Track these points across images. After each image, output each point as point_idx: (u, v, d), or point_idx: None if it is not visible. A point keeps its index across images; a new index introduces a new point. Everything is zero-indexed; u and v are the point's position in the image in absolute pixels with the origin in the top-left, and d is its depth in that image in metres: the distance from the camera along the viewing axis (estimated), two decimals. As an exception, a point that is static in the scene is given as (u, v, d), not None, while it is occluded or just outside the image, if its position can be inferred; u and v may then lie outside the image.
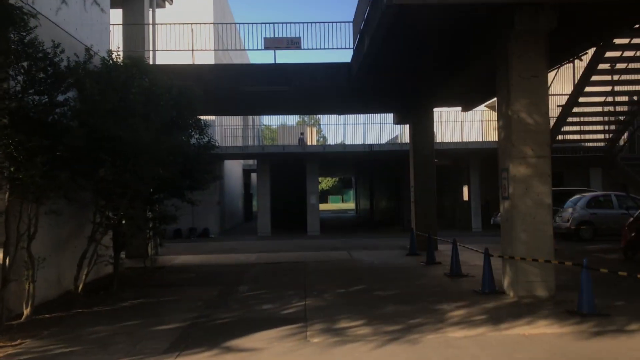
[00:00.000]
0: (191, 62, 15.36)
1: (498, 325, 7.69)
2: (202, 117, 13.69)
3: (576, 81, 16.37)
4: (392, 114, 26.87)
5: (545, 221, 9.42)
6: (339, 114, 19.25)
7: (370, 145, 25.79)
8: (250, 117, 33.48)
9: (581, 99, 16.55)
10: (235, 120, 28.28)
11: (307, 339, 7.27)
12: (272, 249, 19.02)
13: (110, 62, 11.43)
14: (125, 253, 16.91)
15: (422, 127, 17.30)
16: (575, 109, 16.84)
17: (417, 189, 17.23)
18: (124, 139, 8.98)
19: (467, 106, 19.34)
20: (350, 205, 73.27)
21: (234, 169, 33.26)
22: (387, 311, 8.79)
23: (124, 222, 11.71)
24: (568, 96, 16.69)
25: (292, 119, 54.78)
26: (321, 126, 26.68)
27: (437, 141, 26.03)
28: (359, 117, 26.70)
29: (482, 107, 27.67)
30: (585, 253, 15.19)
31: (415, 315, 8.41)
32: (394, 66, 13.56)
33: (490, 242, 14.70)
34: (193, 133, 12.91)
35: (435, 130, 25.87)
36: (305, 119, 68.58)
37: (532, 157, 9.45)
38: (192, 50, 15.15)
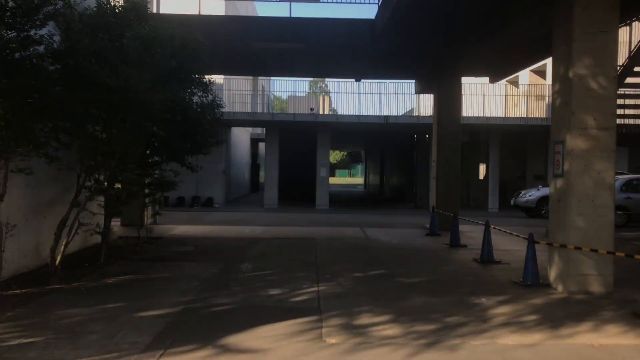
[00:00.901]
0: (198, 13, 13.74)
1: (557, 330, 6.24)
2: (209, 76, 12.13)
3: (633, 47, 14.60)
4: (411, 84, 25.24)
5: (606, 204, 7.90)
6: (357, 79, 17.63)
7: (386, 117, 24.17)
8: (259, 83, 31.78)
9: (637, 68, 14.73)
10: (244, 84, 26.63)
11: (322, 338, 5.85)
12: (279, 222, 17.62)
13: (107, 5, 9.89)
14: (121, 221, 15.63)
15: (448, 97, 15.68)
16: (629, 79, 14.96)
17: (439, 164, 15.70)
18: (111, 86, 7.46)
19: (496, 76, 17.65)
20: (359, 180, 71.86)
21: (241, 137, 31.72)
22: (415, 303, 7.36)
23: (115, 186, 10.31)
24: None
25: (303, 87, 53.00)
26: (332, 95, 24.80)
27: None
28: (374, 87, 25.01)
29: (503, 81, 26.01)
30: (625, 242, 13.68)
31: (450, 310, 6.98)
32: (424, 24, 11.95)
33: (511, 224, 13.22)
34: (196, 90, 11.38)
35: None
36: (316, 90, 66.72)
37: (595, 128, 7.89)
38: (199, -2, 13.51)
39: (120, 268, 9.56)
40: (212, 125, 11.74)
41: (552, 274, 8.42)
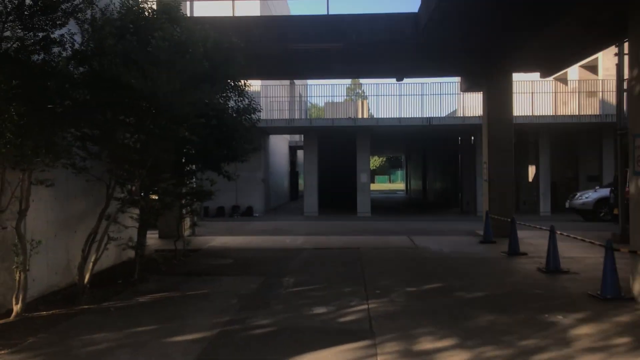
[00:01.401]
0: (231, 15, 13.13)
1: (659, 356, 5.22)
2: (244, 80, 11.48)
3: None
4: (454, 84, 24.20)
5: (702, 206, 6.81)
6: (398, 79, 16.74)
7: (429, 119, 23.14)
8: (296, 89, 31.18)
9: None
10: (281, 91, 26.04)
11: (379, 368, 5.01)
12: (320, 231, 16.82)
13: (135, 7, 9.35)
14: (158, 233, 15.13)
15: (499, 94, 14.62)
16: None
17: (491, 165, 14.62)
18: (136, 88, 6.82)
19: (548, 71, 16.44)
20: (399, 185, 70.62)
21: (279, 145, 31.17)
22: (481, 323, 6.42)
23: (152, 197, 9.73)
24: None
25: (340, 91, 52.15)
26: (371, 98, 23.90)
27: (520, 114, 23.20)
28: (415, 88, 24.03)
29: (551, 78, 24.66)
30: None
31: (523, 331, 6.02)
32: (474, 15, 10.99)
33: (567, 228, 12.06)
34: (231, 94, 10.73)
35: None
36: (353, 97, 65.86)
37: (685, 117, 6.83)
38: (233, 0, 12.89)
39: (155, 284, 8.92)
40: (249, 130, 11.05)
41: (637, 287, 7.34)
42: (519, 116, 23.20)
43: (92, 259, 7.85)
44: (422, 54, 13.63)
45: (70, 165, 7.72)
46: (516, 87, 23.73)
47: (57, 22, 6.58)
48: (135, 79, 6.93)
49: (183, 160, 10.44)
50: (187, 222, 14.75)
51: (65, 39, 6.71)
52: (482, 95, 15.47)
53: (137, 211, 9.89)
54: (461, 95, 24.40)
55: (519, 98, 23.97)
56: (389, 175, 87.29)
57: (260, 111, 11.12)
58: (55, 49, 6.63)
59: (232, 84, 10.69)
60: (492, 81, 14.63)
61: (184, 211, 12.07)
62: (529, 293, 7.98)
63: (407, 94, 24.02)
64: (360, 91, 72.16)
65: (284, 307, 7.31)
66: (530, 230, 13.01)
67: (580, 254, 11.32)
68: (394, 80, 17.94)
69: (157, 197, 9.74)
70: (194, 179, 12.28)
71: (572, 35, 12.60)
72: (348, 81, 51.60)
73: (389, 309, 7.10)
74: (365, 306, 7.23)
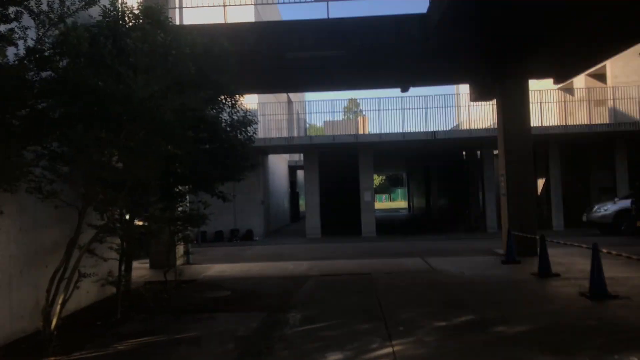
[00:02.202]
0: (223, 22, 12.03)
1: None
2: (238, 95, 10.32)
3: None
4: (461, 95, 23.14)
5: None
6: (403, 89, 15.59)
7: (434, 132, 21.98)
8: (294, 107, 30.08)
9: None
10: (279, 109, 24.92)
11: None
12: (325, 255, 15.52)
13: (112, 12, 8.25)
14: (150, 262, 13.82)
15: (515, 101, 13.45)
16: None
17: (509, 178, 13.39)
18: (107, 93, 5.61)
19: (562, 77, 15.37)
20: (400, 203, 69.38)
21: (278, 165, 29.97)
22: (538, 370, 5.13)
23: (138, 223, 8.48)
24: None
25: (338, 109, 51.09)
26: (373, 113, 22.70)
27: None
28: (417, 101, 22.91)
29: (556, 87, 23.64)
30: None
31: (596, 381, 4.73)
32: (489, 14, 9.90)
33: (586, 243, 10.76)
34: (223, 106, 9.55)
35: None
36: (351, 116, 64.85)
37: None
38: (224, 5, 11.77)
39: (139, 325, 7.61)
40: (245, 145, 9.84)
41: None
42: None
43: (60, 300, 6.55)
44: (430, 60, 12.51)
45: (35, 189, 6.49)
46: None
47: (11, 16, 5.39)
48: (105, 82, 5.72)
49: (171, 180, 9.18)
50: (180, 249, 13.48)
51: (15, 35, 5.48)
52: (495, 104, 14.29)
53: (118, 241, 8.61)
54: (467, 107, 23.33)
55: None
56: (389, 194, 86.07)
57: (256, 123, 9.93)
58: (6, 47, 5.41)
59: (225, 96, 9.53)
60: (506, 88, 13.47)
61: (175, 238, 10.79)
62: (582, 325, 6.68)
63: (410, 107, 22.92)
64: (357, 110, 71.30)
65: (290, 352, 6.00)
66: (553, 247, 11.74)
67: (620, 273, 10.05)
68: (396, 93, 16.88)
69: (141, 224, 8.51)
70: (186, 202, 11.05)
71: (591, 37, 11.59)
72: (346, 98, 50.70)
73: (419, 352, 5.79)
74: (389, 349, 5.92)
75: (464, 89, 32.33)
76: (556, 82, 16.01)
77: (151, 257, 13.59)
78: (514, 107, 13.45)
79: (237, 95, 9.91)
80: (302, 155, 26.82)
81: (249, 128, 9.74)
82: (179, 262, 13.70)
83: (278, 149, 24.63)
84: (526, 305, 7.98)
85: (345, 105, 72.36)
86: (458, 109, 27.53)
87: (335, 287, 10.05)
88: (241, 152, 9.91)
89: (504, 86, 13.50)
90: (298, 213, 36.54)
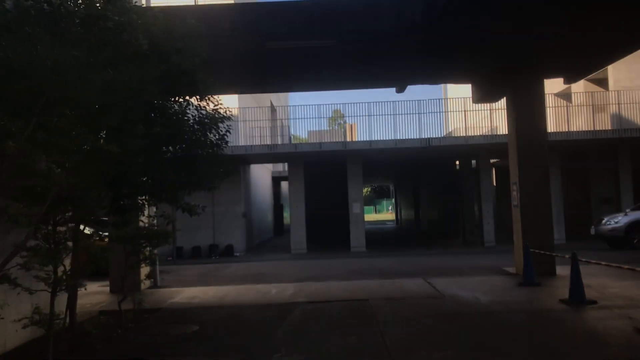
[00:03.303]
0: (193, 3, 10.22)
1: None
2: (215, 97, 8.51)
3: None
4: (457, 99, 21.54)
5: None
6: (398, 89, 13.87)
7: (428, 139, 20.31)
8: (278, 113, 28.28)
9: None
10: (261, 114, 23.08)
11: None
12: (313, 274, 13.67)
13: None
14: (110, 286, 11.88)
15: (529, 101, 11.82)
16: None
17: (523, 187, 11.71)
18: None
19: (575, 74, 13.75)
20: (386, 215, 67.77)
21: (261, 175, 28.08)
22: None
23: (67, 243, 6.59)
24: None
25: (324, 115, 49.51)
26: (359, 118, 20.82)
27: (502, 133, 20.52)
28: (409, 106, 21.24)
29: (551, 91, 22.24)
30: None
31: None
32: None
33: (593, 258, 9.05)
34: (188, 102, 7.74)
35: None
36: (336, 127, 63.13)
37: None
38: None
39: (71, 381, 5.71)
40: (217, 147, 8.00)
41: None
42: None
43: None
44: (433, 52, 10.81)
45: None
46: None
47: None
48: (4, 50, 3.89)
49: (123, 190, 7.30)
50: (146, 270, 11.55)
51: None
52: (505, 104, 12.65)
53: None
54: (460, 113, 21.70)
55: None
56: (375, 206, 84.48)
57: (230, 119, 8.10)
58: None
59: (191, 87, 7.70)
60: (520, 86, 11.84)
61: (133, 259, 8.88)
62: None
63: (402, 113, 21.22)
64: (342, 122, 69.69)
65: None
66: (565, 264, 10.05)
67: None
68: (386, 98, 15.20)
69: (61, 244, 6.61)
70: (147, 216, 9.16)
71: (612, 28, 10.06)
72: (330, 107, 49.09)
73: None
74: None
75: (454, 92, 30.85)
76: (567, 81, 14.45)
77: (112, 279, 11.65)
78: (528, 107, 11.81)
79: (207, 91, 8.08)
80: (286, 165, 25.02)
81: (220, 125, 7.90)
82: (144, 285, 11.77)
83: (261, 158, 22.79)
84: (574, 348, 6.21)
85: (330, 116, 70.87)
86: (448, 115, 25.93)
87: (328, 319, 8.20)
88: (212, 156, 8.07)
89: (516, 84, 11.87)
90: (282, 226, 34.59)
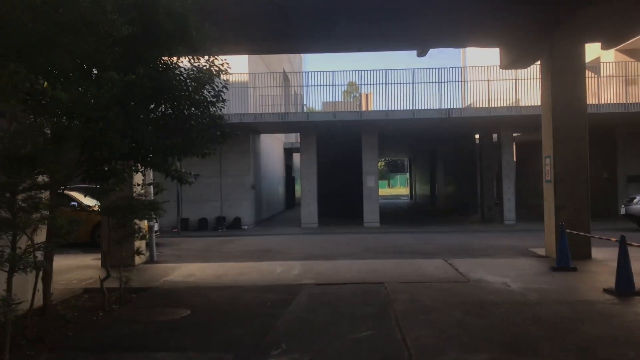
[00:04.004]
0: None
1: None
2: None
3: None
4: (473, 70, 20.05)
5: None
6: (420, 52, 12.49)
7: (448, 110, 18.95)
8: (291, 79, 26.90)
9: None
10: (271, 80, 21.77)
11: None
12: (323, 251, 12.58)
13: None
14: (101, 260, 10.87)
15: (570, 66, 10.45)
16: None
17: (558, 160, 10.43)
18: None
19: (614, 40, 12.30)
20: (400, 190, 66.53)
21: (273, 146, 26.89)
22: None
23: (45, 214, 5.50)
24: None
25: (338, 91, 47.94)
26: (376, 87, 19.29)
27: (527, 104, 19.05)
28: (427, 75, 19.80)
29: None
30: None
31: None
32: None
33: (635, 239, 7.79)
34: (179, 47, 6.51)
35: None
36: (351, 99, 61.49)
37: None
38: None
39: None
40: (212, 106, 6.80)
41: None
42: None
43: None
44: (460, 9, 9.43)
45: None
46: (531, 73, 19.58)
47: None
48: None
49: (101, 154, 6.15)
50: (142, 244, 10.53)
51: None
52: (541, 69, 11.26)
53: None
54: (485, 83, 20.19)
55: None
56: (388, 180, 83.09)
57: (226, 72, 6.86)
58: None
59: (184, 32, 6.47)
60: (558, 49, 10.44)
61: (122, 232, 7.80)
62: None
63: (420, 81, 19.79)
64: (357, 94, 67.82)
65: None
66: (598, 246, 8.92)
67: None
68: (405, 64, 13.74)
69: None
70: (138, 184, 8.04)
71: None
72: (346, 78, 47.46)
73: None
74: None
75: (473, 61, 29.15)
76: (605, 46, 12.96)
77: (104, 252, 10.63)
78: (566, 72, 10.44)
79: (203, 41, 6.83)
80: (298, 136, 23.79)
81: (216, 79, 6.68)
82: (139, 260, 10.76)
83: (271, 127, 21.57)
84: (638, 351, 5.04)
85: (345, 89, 68.99)
86: (468, 85, 24.38)
87: (338, 306, 7.08)
88: (207, 116, 6.89)
89: (554, 46, 10.47)
90: (294, 199, 33.51)
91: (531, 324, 6.03)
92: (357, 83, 20.34)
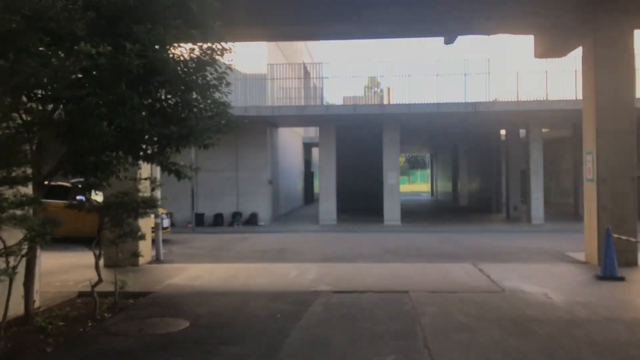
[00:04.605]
0: None
1: None
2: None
3: None
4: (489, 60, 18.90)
5: None
6: (447, 39, 11.42)
7: (475, 104, 17.83)
8: (311, 69, 25.91)
9: None
10: (291, 72, 20.85)
11: None
12: (341, 253, 11.65)
13: None
14: (103, 260, 10.07)
15: (615, 53, 9.34)
16: None
17: (602, 158, 9.33)
18: None
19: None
20: (420, 187, 65.22)
21: (291, 141, 25.98)
22: None
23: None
24: None
25: (359, 84, 47.01)
26: (399, 79, 18.12)
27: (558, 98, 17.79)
28: (455, 66, 18.73)
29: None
30: None
31: None
32: None
33: None
34: (177, 21, 5.61)
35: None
36: (372, 94, 60.31)
37: None
38: None
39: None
40: (213, 89, 5.89)
41: None
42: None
43: None
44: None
45: None
46: (566, 63, 18.27)
47: None
48: None
49: (90, 144, 5.30)
50: (147, 242, 9.72)
51: None
52: (582, 57, 10.12)
53: None
54: (513, 75, 19.00)
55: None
56: (409, 177, 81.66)
57: (229, 50, 5.93)
58: None
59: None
60: (603, 33, 9.34)
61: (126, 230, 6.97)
62: None
63: (445, 73, 18.70)
64: (378, 89, 66.43)
65: None
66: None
67: None
68: (429, 56, 12.63)
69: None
70: (137, 178, 7.19)
71: None
72: (366, 73, 46.36)
73: None
74: None
75: (495, 52, 27.81)
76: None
77: (104, 251, 9.84)
78: (612, 60, 9.32)
79: (206, 21, 5.91)
80: (318, 130, 22.88)
81: (219, 59, 5.76)
82: (143, 260, 9.94)
83: (289, 121, 20.65)
84: None
85: (366, 84, 67.64)
86: (494, 79, 23.15)
87: (356, 320, 6.14)
88: (211, 102, 6.00)
89: (599, 31, 9.36)
90: (312, 195, 32.59)
91: (585, 348, 5.03)
92: (379, 75, 19.06)
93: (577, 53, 12.14)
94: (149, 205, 6.34)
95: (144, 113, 5.31)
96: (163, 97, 5.79)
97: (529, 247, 12.07)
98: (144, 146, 5.62)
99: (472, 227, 17.79)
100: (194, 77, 5.59)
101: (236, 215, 19.53)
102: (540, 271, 8.94)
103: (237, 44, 6.24)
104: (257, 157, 19.62)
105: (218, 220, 19.52)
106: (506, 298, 7.06)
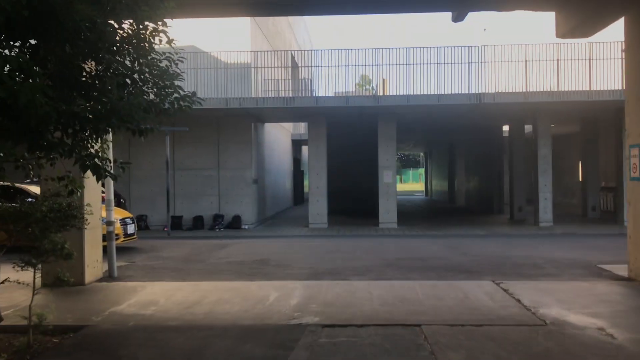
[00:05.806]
0: None
1: None
2: None
3: None
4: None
5: None
6: (456, 15, 9.74)
7: (480, 95, 16.09)
8: (299, 57, 24.04)
9: None
10: (276, 60, 18.99)
11: None
12: (332, 265, 9.82)
13: None
14: (41, 278, 8.19)
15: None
16: None
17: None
18: None
19: None
20: (414, 186, 63.66)
21: (279, 137, 24.12)
22: None
23: None
24: None
25: (351, 80, 45.15)
26: (399, 68, 16.42)
27: (603, 88, 16.00)
28: (458, 54, 16.94)
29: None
30: None
31: None
32: None
33: None
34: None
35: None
36: (363, 92, 58.51)
37: None
38: None
39: None
40: (143, 56, 4.08)
41: None
42: (608, 90, 16.04)
43: None
44: None
45: None
46: (596, 50, 16.66)
47: None
48: None
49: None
50: (98, 252, 7.89)
51: None
52: (625, 33, 8.39)
53: None
54: (525, 62, 17.18)
55: (602, 65, 16.77)
56: (401, 176, 80.00)
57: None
58: None
59: None
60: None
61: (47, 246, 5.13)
62: None
63: (447, 62, 16.90)
64: (369, 87, 64.67)
65: None
66: None
67: None
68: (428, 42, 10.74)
69: None
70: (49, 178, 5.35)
71: None
72: (360, 61, 44.41)
73: None
74: None
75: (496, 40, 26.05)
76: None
77: (43, 270, 7.97)
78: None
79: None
80: (307, 125, 21.04)
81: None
82: (93, 276, 8.07)
83: (276, 114, 18.80)
84: None
85: (358, 81, 65.87)
86: (497, 69, 21.38)
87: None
88: (151, 70, 4.17)
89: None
90: (302, 195, 30.76)
91: None
92: (374, 63, 17.25)
93: (585, 41, 10.45)
94: (65, 215, 4.52)
95: (38, 80, 3.48)
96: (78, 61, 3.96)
97: (554, 257, 10.32)
98: (43, 131, 3.81)
99: (475, 230, 16.05)
100: (108, 28, 3.75)
101: (217, 218, 17.67)
102: (581, 292, 7.16)
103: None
104: (240, 154, 17.77)
105: (197, 224, 17.66)
106: (552, 336, 5.28)
